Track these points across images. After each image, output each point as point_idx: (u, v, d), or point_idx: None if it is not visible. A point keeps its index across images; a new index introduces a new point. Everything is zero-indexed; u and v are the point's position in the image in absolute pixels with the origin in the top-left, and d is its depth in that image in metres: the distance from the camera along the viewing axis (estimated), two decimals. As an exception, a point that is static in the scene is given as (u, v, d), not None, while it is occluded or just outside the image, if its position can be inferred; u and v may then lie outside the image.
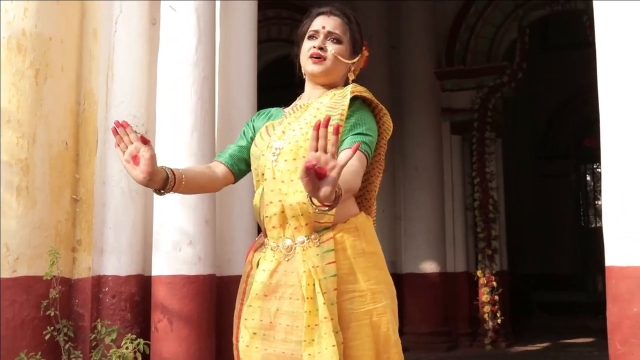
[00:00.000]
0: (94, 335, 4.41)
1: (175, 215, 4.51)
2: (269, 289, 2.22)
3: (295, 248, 2.20)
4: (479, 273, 9.45)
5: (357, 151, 2.11)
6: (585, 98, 10.95)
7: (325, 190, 1.80)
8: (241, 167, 2.46)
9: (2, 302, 4.18)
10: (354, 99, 2.30)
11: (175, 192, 2.26)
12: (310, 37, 2.39)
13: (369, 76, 9.82)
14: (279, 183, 2.21)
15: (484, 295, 9.31)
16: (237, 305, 2.38)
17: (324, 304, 2.10)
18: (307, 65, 2.36)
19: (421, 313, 9.18)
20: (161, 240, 4.52)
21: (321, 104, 2.32)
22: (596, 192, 17.08)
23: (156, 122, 4.75)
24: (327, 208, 1.91)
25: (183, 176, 2.26)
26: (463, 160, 9.94)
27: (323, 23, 2.38)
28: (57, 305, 4.32)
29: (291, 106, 2.47)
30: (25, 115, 4.37)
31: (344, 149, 2.15)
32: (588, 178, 17.94)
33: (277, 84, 15.00)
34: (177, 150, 4.56)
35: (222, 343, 4.66)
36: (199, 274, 4.47)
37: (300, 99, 2.48)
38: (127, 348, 4.13)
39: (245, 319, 2.26)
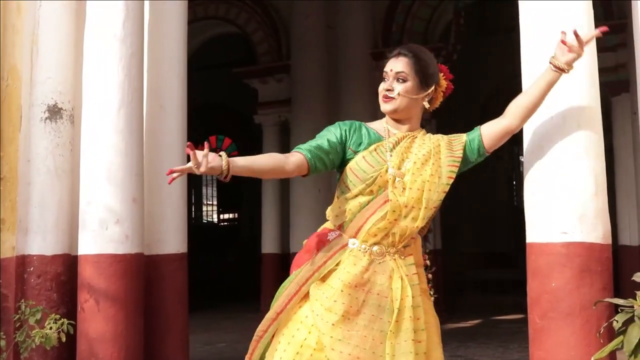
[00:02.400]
0: (18, 316, 4.32)
1: (102, 193, 4.44)
2: (360, 281, 2.59)
3: (386, 255, 2.64)
4: (413, 252, 9.56)
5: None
6: (520, 81, 11.13)
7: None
8: (317, 164, 2.69)
9: None
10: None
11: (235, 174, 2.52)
12: (383, 79, 2.72)
13: (305, 56, 9.84)
14: (402, 208, 2.62)
15: (419, 274, 9.43)
16: (295, 287, 2.70)
17: (412, 306, 2.58)
18: (381, 105, 2.73)
19: (356, 292, 9.24)
20: (88, 219, 4.45)
21: (430, 142, 2.74)
22: (529, 172, 17.39)
23: (82, 99, 4.65)
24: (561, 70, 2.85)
25: (235, 167, 2.50)
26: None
27: (391, 66, 2.69)
28: (-19, 286, 4.22)
29: (382, 129, 2.77)
30: (-56, 90, 4.24)
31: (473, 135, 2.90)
32: (521, 159, 18.30)
33: (214, 63, 14.89)
34: (103, 127, 4.48)
35: (150, 322, 4.63)
36: (126, 252, 4.41)
37: (386, 123, 2.79)
38: (50, 328, 4.06)
39: (334, 302, 2.57)
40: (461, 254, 13.86)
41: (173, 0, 5.11)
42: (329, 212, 2.81)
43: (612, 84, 9.02)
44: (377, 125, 2.81)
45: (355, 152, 2.72)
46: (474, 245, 14.97)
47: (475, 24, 13.83)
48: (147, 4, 4.93)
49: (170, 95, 4.93)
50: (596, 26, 3.32)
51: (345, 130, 2.76)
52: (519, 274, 13.62)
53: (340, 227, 2.73)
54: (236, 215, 18.01)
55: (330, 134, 2.75)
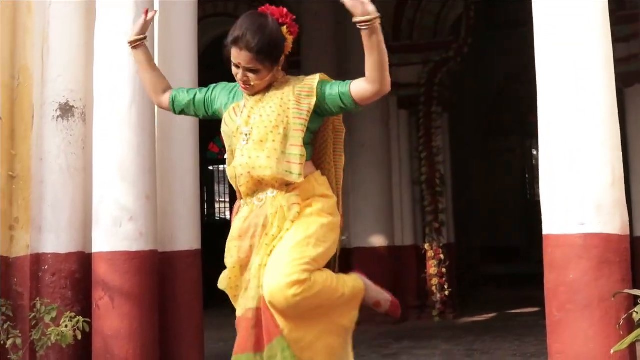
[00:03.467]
0: (33, 314, 4.33)
1: (115, 190, 4.44)
2: (242, 230, 2.78)
3: (266, 198, 2.75)
4: (426, 246, 9.54)
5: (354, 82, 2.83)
6: (531, 74, 11.08)
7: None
8: (181, 103, 3.03)
9: (-63, 282, 4.08)
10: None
11: (137, 49, 3.07)
12: (235, 65, 2.78)
13: (316, 53, 9.81)
14: (247, 159, 2.73)
15: (432, 268, 9.41)
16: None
17: (273, 232, 2.69)
18: (240, 86, 2.84)
19: (370, 287, 9.22)
20: (101, 217, 4.45)
21: (282, 92, 2.79)
22: (542, 165, 17.33)
23: (94, 97, 4.66)
24: (367, 23, 2.67)
25: (147, 52, 3.11)
26: (410, 135, 9.97)
27: (239, 59, 2.74)
28: (-5, 283, 4.23)
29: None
30: (-43, 90, 4.24)
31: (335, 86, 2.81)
32: (534, 152, 18.23)
33: (225, 60, 14.87)
34: (115, 124, 4.48)
35: (165, 319, 4.63)
36: (140, 249, 4.41)
37: None
38: (66, 326, 4.07)
39: (225, 258, 2.80)
40: (474, 248, 13.82)
41: (183, -2, 5.10)
42: None
43: (625, 75, 8.93)
44: None
45: (221, 112, 2.93)
46: (487, 239, 14.92)
47: (484, 17, 13.77)
48: (156, 2, 4.92)
49: (181, 91, 4.91)
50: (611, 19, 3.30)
51: (219, 89, 2.98)
52: (533, 267, 13.61)
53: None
54: (249, 212, 17.94)
55: (209, 88, 3.01)
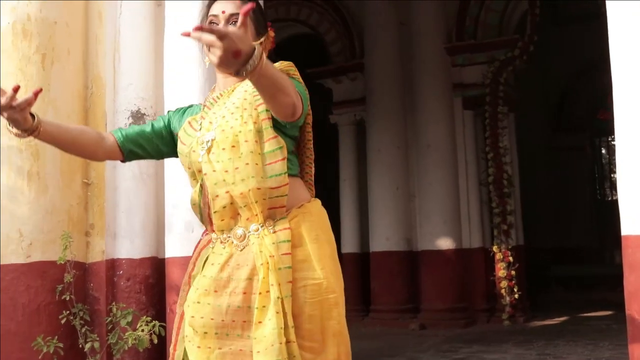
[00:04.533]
0: (109, 319, 4.42)
1: (187, 196, 4.48)
2: (219, 284, 2.10)
3: (248, 237, 2.10)
4: (495, 248, 9.41)
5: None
6: (599, 70, 10.83)
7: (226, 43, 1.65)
8: (132, 148, 2.36)
9: (18, 287, 4.20)
10: None
11: (36, 136, 2.16)
12: (211, 24, 2.18)
13: (379, 55, 9.79)
14: (223, 174, 2.10)
15: (501, 271, 9.28)
16: (178, 311, 2.26)
17: (278, 297, 2.01)
18: (211, 57, 1.86)
19: (438, 290, 9.17)
20: (174, 222, 4.51)
21: (248, 85, 2.17)
22: (611, 164, 16.95)
23: (164, 103, 4.72)
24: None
25: (46, 125, 2.16)
26: (476, 135, 9.86)
27: (222, 7, 2.19)
28: (72, 290, 4.33)
29: (207, 98, 2.32)
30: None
31: None
32: (603, 151, 17.81)
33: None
34: (186, 132, 4.54)
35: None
36: (212, 254, 4.45)
37: (213, 90, 2.34)
38: (142, 330, 4.14)
39: (193, 317, 2.12)
40: (544, 250, 13.56)
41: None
42: None
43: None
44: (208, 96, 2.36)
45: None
46: (557, 240, 14.62)
47: (549, 13, 13.52)
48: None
49: (249, 97, 4.95)
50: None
51: (171, 114, 2.39)
52: (605, 269, 13.30)
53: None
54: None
55: (157, 120, 2.41)
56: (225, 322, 2.08)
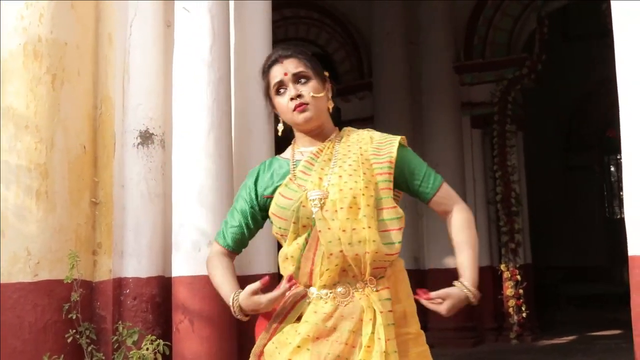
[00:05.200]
0: (116, 338, 4.43)
1: (194, 216, 4.52)
2: (322, 332, 2.12)
3: (353, 294, 2.15)
4: (502, 267, 9.39)
5: (445, 192, 2.44)
6: (608, 88, 10.83)
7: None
8: (240, 246, 2.45)
9: (25, 306, 4.21)
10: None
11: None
12: (279, 92, 2.29)
13: (388, 74, 9.83)
14: (339, 232, 2.13)
15: (509, 289, 9.25)
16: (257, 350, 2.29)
17: (384, 352, 2.07)
18: (297, 119, 2.26)
19: (446, 309, 9.11)
20: (181, 241, 4.53)
21: (357, 147, 2.27)
22: (620, 183, 16.87)
23: (172, 124, 4.77)
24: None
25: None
26: (484, 154, 9.87)
27: (283, 70, 2.27)
28: (79, 308, 4.34)
29: (295, 151, 2.37)
30: (43, 120, 4.40)
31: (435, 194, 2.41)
32: (612, 169, 17.75)
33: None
34: (194, 151, 4.57)
35: (243, 342, 4.66)
36: (219, 274, 4.46)
37: (295, 143, 2.39)
38: (147, 349, 4.15)
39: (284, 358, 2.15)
40: (553, 268, 13.51)
41: (258, 24, 5.18)
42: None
43: None
44: (287, 154, 2.40)
45: (270, 197, 2.31)
46: (566, 258, 14.56)
47: (558, 32, 13.54)
48: (232, 28, 5.02)
49: (257, 117, 4.98)
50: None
51: (252, 184, 2.39)
52: (615, 287, 13.24)
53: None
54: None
55: (239, 202, 2.41)
56: None
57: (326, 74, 2.36)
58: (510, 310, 9.18)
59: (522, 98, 10.39)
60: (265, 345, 2.25)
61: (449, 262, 9.24)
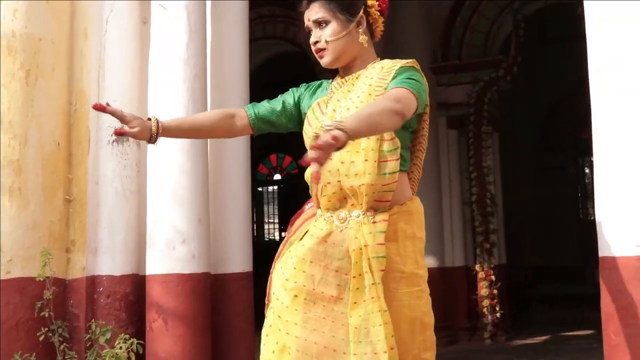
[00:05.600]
0: (88, 336, 4.40)
1: (169, 213, 4.51)
2: (315, 255, 2.27)
3: (349, 221, 2.27)
4: (477, 267, 9.44)
5: (396, 88, 2.23)
6: (583, 90, 10.95)
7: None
8: (262, 126, 2.55)
9: (-3, 303, 4.18)
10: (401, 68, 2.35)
11: (166, 136, 2.44)
12: (308, 33, 2.45)
13: (409, 38, 9.75)
14: (337, 164, 2.25)
15: (483, 289, 9.30)
16: (274, 266, 2.47)
17: (373, 284, 2.19)
18: (320, 62, 2.45)
19: (420, 308, 9.16)
20: (155, 239, 4.51)
21: (370, 78, 2.37)
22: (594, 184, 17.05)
23: (148, 121, 4.74)
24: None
25: (169, 124, 2.43)
26: (460, 154, 9.92)
27: (307, 16, 2.43)
28: (52, 306, 4.31)
29: (334, 80, 2.53)
30: (17, 116, 4.36)
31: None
32: (587, 171, 17.93)
33: (275, 82, 15.02)
34: (169, 148, 4.54)
35: (217, 341, 4.66)
36: (193, 272, 4.46)
37: (339, 76, 2.52)
38: (120, 348, 4.13)
39: (287, 280, 2.31)
40: (526, 268, 13.60)
41: (234, 22, 5.17)
42: None
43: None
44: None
45: (305, 114, 2.52)
46: (540, 259, 14.68)
47: (534, 34, 13.65)
48: (209, 25, 5.01)
49: (233, 115, 4.97)
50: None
51: (304, 92, 2.60)
52: (587, 288, 13.35)
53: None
54: (298, 232, 18.00)
55: (288, 95, 2.60)
56: (316, 292, 2.26)
57: (362, 19, 2.44)
58: (485, 310, 9.23)
59: (498, 99, 10.45)
60: (280, 253, 2.45)
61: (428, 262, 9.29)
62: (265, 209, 19.06)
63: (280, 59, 12.02)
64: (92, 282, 4.59)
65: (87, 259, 4.60)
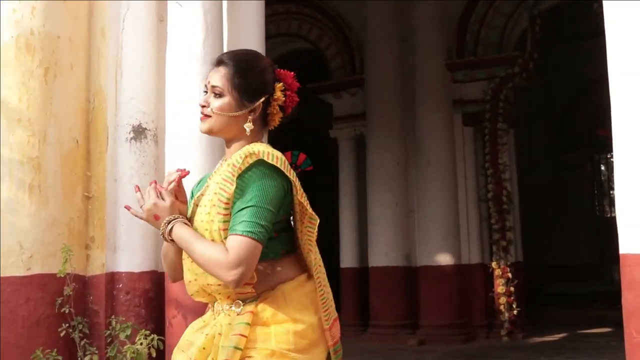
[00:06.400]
0: (108, 332, 4.42)
1: (187, 210, 4.51)
2: (186, 345, 2.16)
3: (221, 314, 2.10)
4: (494, 265, 9.42)
5: (232, 238, 2.00)
6: (599, 87, 10.89)
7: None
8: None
9: (18, 300, 4.20)
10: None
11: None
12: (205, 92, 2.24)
13: (380, 71, 9.82)
14: (191, 263, 2.14)
15: (500, 287, 9.28)
16: None
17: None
18: (199, 124, 2.24)
19: (437, 305, 9.16)
20: (173, 236, 4.52)
21: (219, 176, 2.13)
22: (611, 182, 16.95)
23: (165, 118, 4.76)
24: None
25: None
26: (476, 152, 9.90)
27: (209, 77, 2.22)
28: (72, 303, 4.33)
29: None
30: (36, 114, 4.38)
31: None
32: (602, 168, 17.82)
33: (289, 80, 15.00)
34: (186, 146, 4.56)
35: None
36: (212, 268, 4.46)
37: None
38: (141, 344, 4.14)
39: None
40: (543, 266, 13.55)
41: (250, 19, 5.18)
42: None
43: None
44: None
45: None
46: (556, 257, 14.61)
47: (550, 30, 13.58)
48: (225, 23, 5.01)
49: (250, 112, 4.98)
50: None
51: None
52: (604, 285, 13.28)
53: None
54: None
55: None
56: None
57: (275, 98, 2.21)
58: (502, 307, 9.21)
59: (514, 96, 10.42)
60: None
61: (440, 260, 9.29)
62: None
63: (294, 56, 12.02)
64: (112, 278, 4.60)
65: (107, 256, 4.62)
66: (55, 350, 4.20)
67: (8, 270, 4.21)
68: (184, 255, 2.17)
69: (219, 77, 2.18)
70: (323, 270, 2.22)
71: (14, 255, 4.23)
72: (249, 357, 2.02)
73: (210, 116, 2.18)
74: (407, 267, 9.59)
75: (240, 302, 2.08)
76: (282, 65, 2.32)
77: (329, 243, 14.81)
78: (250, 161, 2.04)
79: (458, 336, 9.07)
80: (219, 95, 2.17)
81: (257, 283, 2.08)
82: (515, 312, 9.21)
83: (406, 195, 9.71)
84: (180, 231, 2.09)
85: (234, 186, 2.03)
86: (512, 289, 9.27)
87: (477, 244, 9.65)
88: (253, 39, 5.19)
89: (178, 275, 2.30)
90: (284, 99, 2.22)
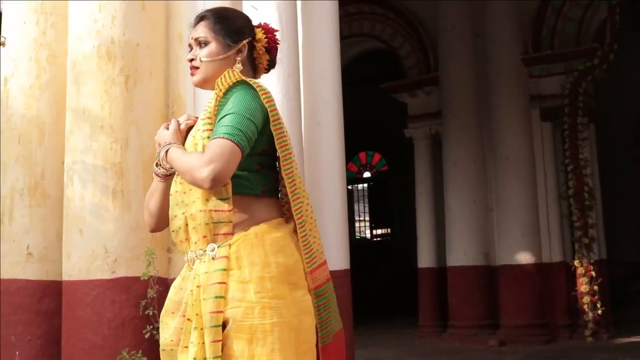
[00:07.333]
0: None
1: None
2: (174, 306, 2.18)
3: (195, 261, 2.11)
4: (576, 263, 9.18)
5: (213, 140, 2.05)
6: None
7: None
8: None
9: (104, 302, 4.30)
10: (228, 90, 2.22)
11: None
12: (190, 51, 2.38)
13: (455, 68, 9.71)
14: (182, 195, 2.16)
15: (583, 286, 9.04)
16: None
17: (195, 328, 2.02)
18: (191, 79, 2.40)
19: (517, 305, 9.00)
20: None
21: (209, 103, 2.31)
22: (698, 175, 16.31)
23: (243, 121, 4.80)
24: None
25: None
26: (555, 147, 9.67)
27: (192, 34, 2.37)
28: (155, 305, 4.40)
29: None
30: (118, 120, 4.48)
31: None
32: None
33: (362, 79, 15.01)
34: (265, 148, 4.59)
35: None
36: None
37: None
38: (224, 345, 4.18)
39: (161, 335, 2.26)
40: (627, 264, 13.14)
41: (325, 20, 5.18)
42: None
43: None
44: None
45: None
46: (638, 253, 14.14)
47: (629, 19, 13.16)
48: (300, 25, 5.03)
49: (326, 112, 4.97)
50: None
51: None
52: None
53: None
54: (388, 230, 18.01)
55: None
56: (178, 342, 2.14)
57: (257, 40, 2.38)
58: (585, 307, 8.96)
59: (594, 89, 10.13)
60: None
61: (520, 258, 9.11)
62: (356, 207, 19.02)
63: (367, 56, 12.00)
64: (193, 281, 4.66)
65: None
66: (141, 351, 4.28)
67: (93, 273, 4.32)
68: (172, 189, 2.21)
69: (202, 29, 2.32)
70: (313, 218, 2.32)
71: (99, 259, 4.33)
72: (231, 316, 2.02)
73: (199, 67, 2.33)
74: (486, 266, 9.44)
75: (215, 245, 2.07)
76: (354, 65, 2.36)
77: (404, 244, 14.72)
78: (230, 81, 2.19)
79: (540, 337, 8.87)
80: (205, 44, 2.31)
81: (234, 214, 2.09)
82: (599, 311, 8.94)
83: (484, 193, 9.56)
84: (174, 152, 2.14)
85: (215, 102, 2.20)
86: (595, 287, 9.01)
87: (558, 241, 9.43)
88: (327, 39, 5.18)
89: (159, 223, 2.34)
90: (266, 39, 2.40)
